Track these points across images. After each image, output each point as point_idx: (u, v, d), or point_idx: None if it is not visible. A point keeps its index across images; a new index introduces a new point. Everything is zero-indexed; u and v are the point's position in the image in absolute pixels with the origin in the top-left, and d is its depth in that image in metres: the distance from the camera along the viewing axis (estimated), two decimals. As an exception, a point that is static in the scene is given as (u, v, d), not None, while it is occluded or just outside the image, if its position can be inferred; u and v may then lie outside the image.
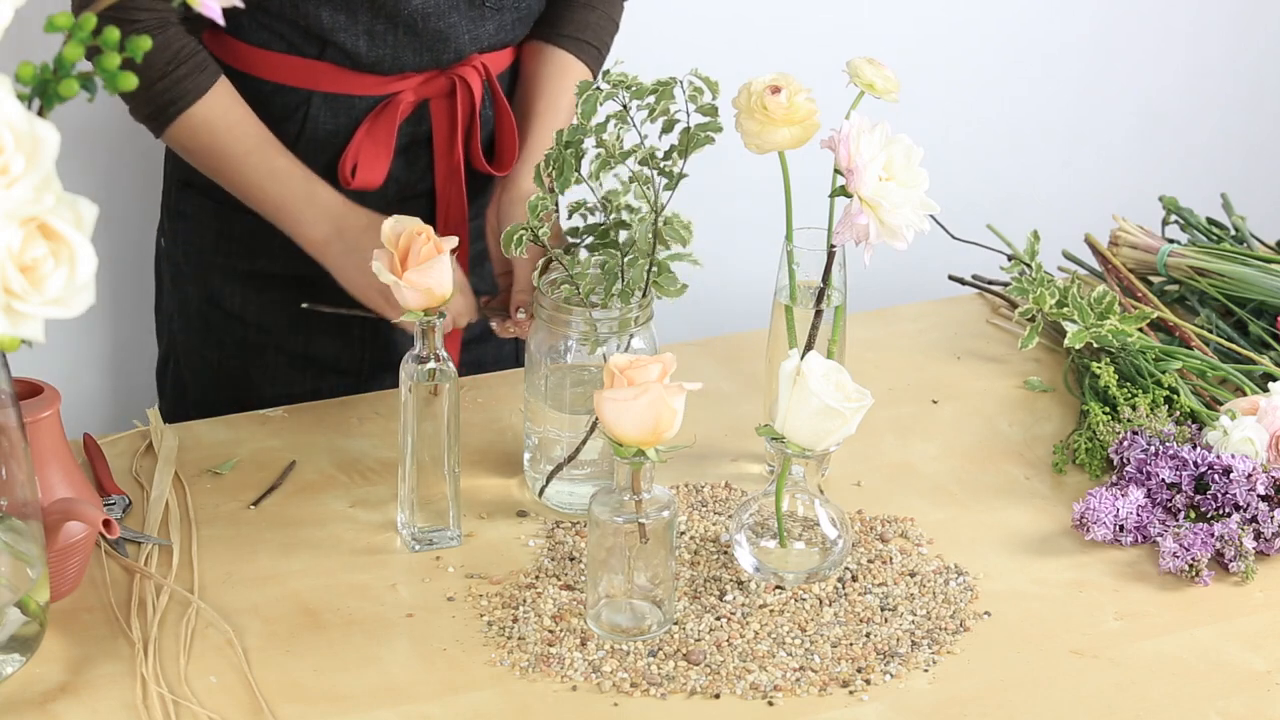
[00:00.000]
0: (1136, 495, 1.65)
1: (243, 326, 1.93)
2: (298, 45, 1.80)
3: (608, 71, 1.58)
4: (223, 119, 1.75)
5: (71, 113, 2.15)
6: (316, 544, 1.61)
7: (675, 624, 1.50)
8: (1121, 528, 1.64)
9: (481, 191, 1.93)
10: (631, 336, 1.63)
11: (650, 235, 1.59)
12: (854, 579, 1.58)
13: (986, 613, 1.54)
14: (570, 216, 1.65)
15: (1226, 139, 2.90)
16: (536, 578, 1.57)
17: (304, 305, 1.81)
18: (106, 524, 1.42)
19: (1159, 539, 1.62)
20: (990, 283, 2.15)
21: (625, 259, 1.60)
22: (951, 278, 2.17)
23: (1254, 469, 1.62)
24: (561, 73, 1.89)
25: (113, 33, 1.15)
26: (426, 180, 1.89)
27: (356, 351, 1.95)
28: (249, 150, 1.76)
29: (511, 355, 2.05)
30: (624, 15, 1.97)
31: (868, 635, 1.50)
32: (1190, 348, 1.91)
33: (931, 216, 1.54)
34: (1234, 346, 1.93)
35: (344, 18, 1.77)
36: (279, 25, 1.79)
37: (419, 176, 1.89)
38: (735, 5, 2.49)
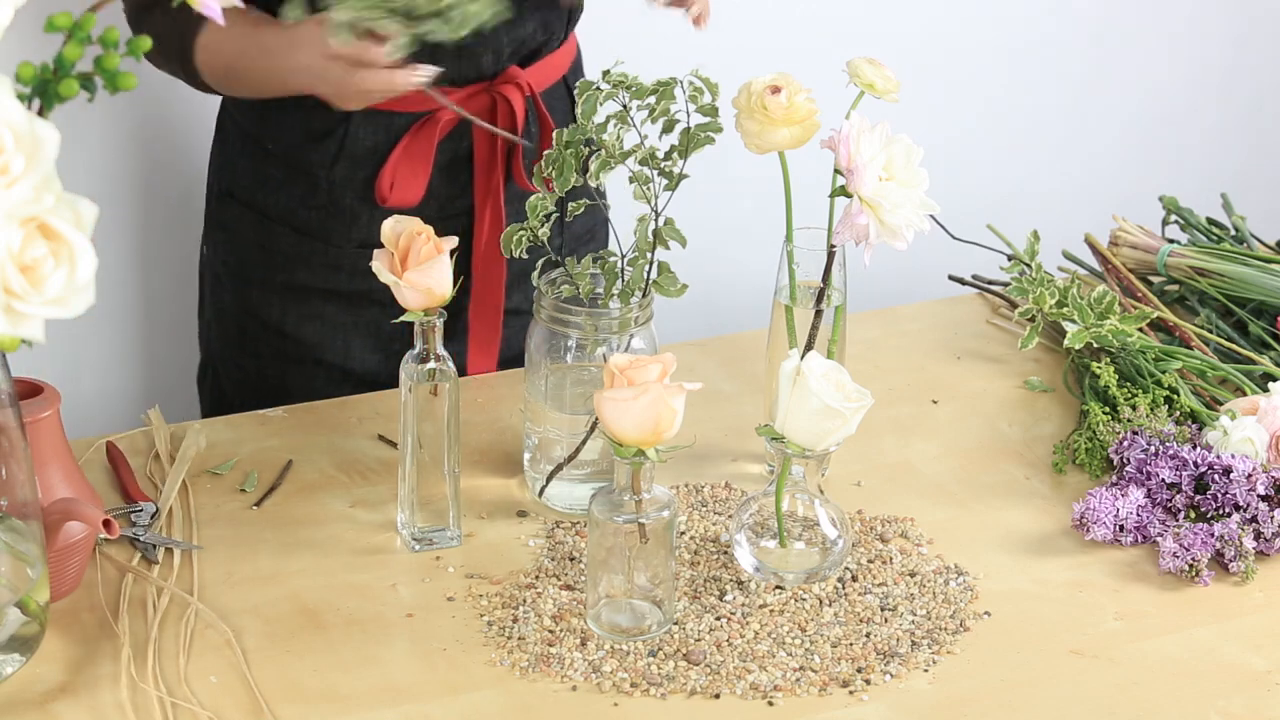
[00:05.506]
0: (1136, 495, 1.65)
1: (280, 338, 1.92)
2: None
3: (607, 71, 1.58)
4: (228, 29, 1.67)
5: (114, 117, 2.15)
6: (316, 544, 1.61)
7: (675, 624, 1.50)
8: (1121, 528, 1.64)
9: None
10: (631, 336, 1.63)
11: (650, 235, 1.59)
12: (854, 579, 1.58)
13: (986, 613, 1.54)
14: (572, 218, 1.65)
15: (1226, 139, 2.89)
16: (536, 578, 1.57)
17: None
18: (106, 524, 1.42)
19: (1159, 539, 1.61)
20: (990, 283, 2.15)
21: (626, 259, 1.61)
22: (951, 278, 2.17)
23: (1254, 469, 1.62)
24: None
25: (112, 33, 1.15)
26: (466, 197, 1.87)
27: (396, 366, 1.94)
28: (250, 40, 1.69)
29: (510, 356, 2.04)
30: (625, 15, 1.96)
31: (868, 635, 1.50)
32: (1190, 348, 1.91)
33: (931, 216, 1.54)
34: (1234, 346, 1.93)
35: None
36: None
37: (459, 193, 1.87)
38: (735, 5, 2.48)
